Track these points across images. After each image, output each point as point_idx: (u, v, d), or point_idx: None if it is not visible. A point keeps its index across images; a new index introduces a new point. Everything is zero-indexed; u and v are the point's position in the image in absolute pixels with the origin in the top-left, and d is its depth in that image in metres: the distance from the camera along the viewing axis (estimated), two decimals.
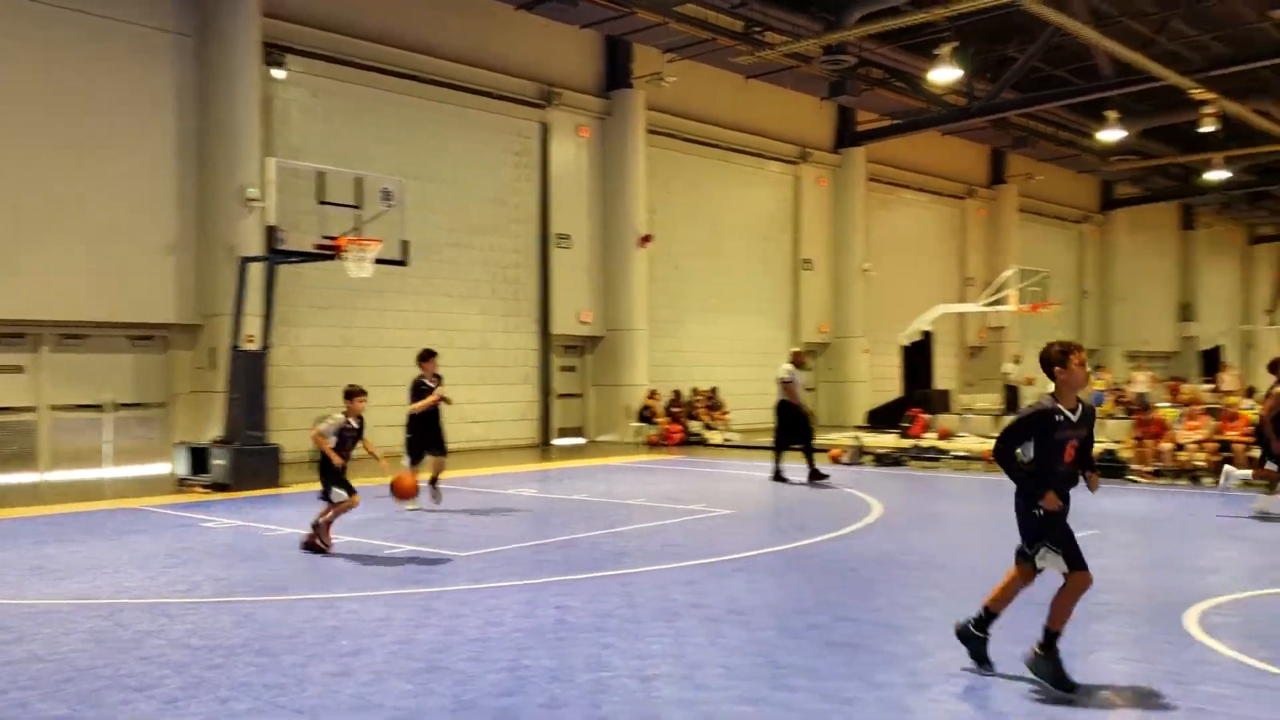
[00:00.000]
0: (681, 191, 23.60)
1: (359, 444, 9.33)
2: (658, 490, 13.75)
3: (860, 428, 23.24)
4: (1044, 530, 5.45)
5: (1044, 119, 26.90)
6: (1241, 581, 8.17)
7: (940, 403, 24.29)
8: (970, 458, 17.89)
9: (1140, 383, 25.12)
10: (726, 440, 21.47)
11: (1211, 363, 33.77)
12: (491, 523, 11.09)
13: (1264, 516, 11.34)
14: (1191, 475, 14.61)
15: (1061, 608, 5.40)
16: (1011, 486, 5.58)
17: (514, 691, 5.27)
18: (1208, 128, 22.17)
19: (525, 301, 20.93)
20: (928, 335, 25.25)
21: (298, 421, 17.35)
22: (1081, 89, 23.14)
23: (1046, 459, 5.41)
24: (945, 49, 18.93)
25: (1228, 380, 20.73)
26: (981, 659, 5.63)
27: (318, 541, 9.02)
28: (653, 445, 20.79)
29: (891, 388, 25.30)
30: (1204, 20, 21.19)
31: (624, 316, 21.71)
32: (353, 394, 9.37)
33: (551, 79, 21.05)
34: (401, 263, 14.28)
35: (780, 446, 14.99)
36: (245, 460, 13.64)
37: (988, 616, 5.65)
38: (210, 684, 5.44)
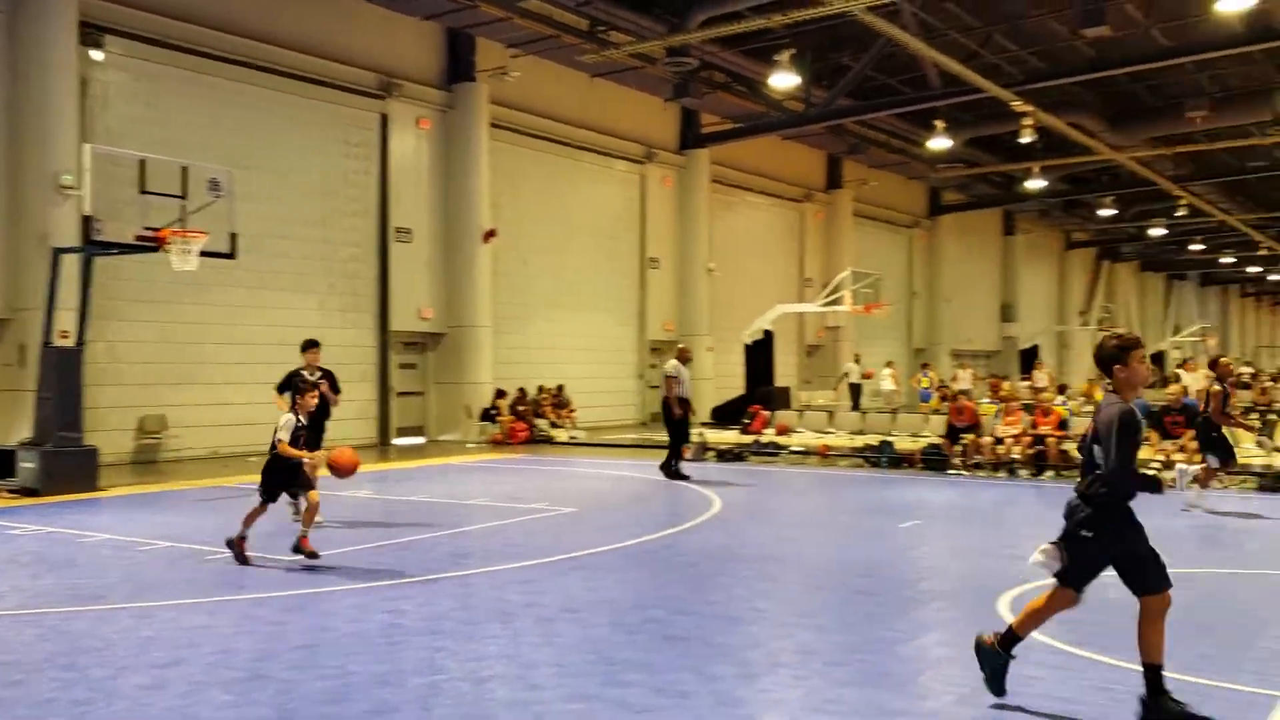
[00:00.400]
0: (528, 187, 23.46)
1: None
2: (500, 490, 13.62)
3: (705, 424, 23.62)
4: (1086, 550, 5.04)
5: (877, 127, 27.94)
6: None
7: (781, 399, 24.93)
8: (807, 452, 18.41)
9: (963, 380, 26.42)
10: (573, 438, 21.47)
11: (1030, 361, 35.83)
12: (321, 525, 10.76)
13: (1191, 507, 11.63)
14: (1009, 468, 15.41)
15: (1150, 639, 4.95)
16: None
17: (340, 698, 5.11)
18: (1026, 138, 23.44)
19: (364, 297, 20.42)
20: (769, 334, 25.87)
21: (118, 422, 16.49)
22: (911, 98, 24.12)
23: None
24: (784, 55, 19.42)
25: (1042, 378, 22.00)
26: (996, 680, 5.11)
27: (307, 548, 8.50)
28: (497, 444, 20.60)
29: (735, 385, 25.80)
30: (1023, 36, 22.42)
31: (467, 313, 21.43)
32: (303, 390, 8.81)
33: (391, 70, 20.59)
34: (230, 255, 13.69)
35: (680, 442, 15.05)
36: (57, 463, 12.82)
37: (1011, 637, 5.16)
38: (8, 703, 5.07)
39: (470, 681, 5.38)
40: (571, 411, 22.59)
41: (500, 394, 21.64)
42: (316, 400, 9.06)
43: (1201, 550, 9.49)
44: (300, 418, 8.70)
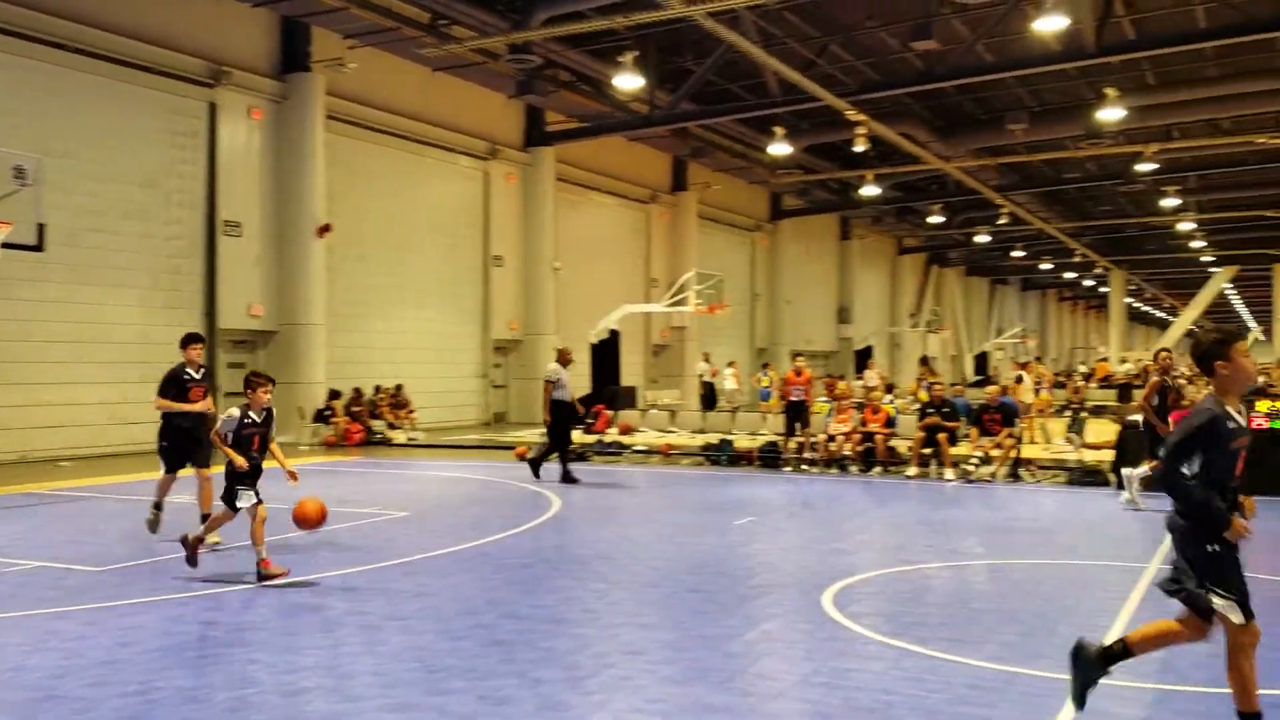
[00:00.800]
0: (367, 182, 22.86)
1: (267, 446, 8.01)
2: (331, 494, 13.13)
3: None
4: (1217, 570, 4.34)
5: (720, 131, 28.42)
6: (875, 561, 8.93)
7: (627, 399, 25.12)
8: (650, 451, 18.57)
9: None
10: (411, 440, 21.02)
11: (864, 361, 37.15)
12: (138, 533, 10.15)
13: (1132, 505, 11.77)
14: (840, 464, 15.89)
15: (1241, 677, 4.36)
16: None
17: (140, 716, 4.81)
18: (860, 147, 24.20)
19: (189, 293, 19.48)
20: (615, 334, 26.01)
21: None
22: (752, 104, 24.63)
23: (1219, 475, 4.38)
24: (628, 57, 19.51)
25: (873, 377, 22.79)
26: (1083, 693, 4.69)
27: (192, 544, 7.90)
28: (331, 447, 19.98)
29: (581, 384, 25.77)
30: (857, 48, 23.19)
31: (300, 310, 20.70)
32: (254, 383, 8.01)
33: (221, 57, 19.72)
34: (37, 248, 12.84)
35: (558, 447, 14.88)
36: None
37: (1123, 653, 4.65)
38: None
39: (282, 694, 5.16)
40: (410, 412, 22.11)
41: (335, 395, 21.00)
42: (270, 395, 8.10)
43: (1015, 542, 9.96)
44: (252, 413, 7.89)
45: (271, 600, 7.22)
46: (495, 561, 8.77)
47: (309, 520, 7.96)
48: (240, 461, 7.75)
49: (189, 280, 19.49)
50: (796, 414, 16.52)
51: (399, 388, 22.46)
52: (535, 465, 14.69)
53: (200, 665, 5.63)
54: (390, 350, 22.90)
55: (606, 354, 25.87)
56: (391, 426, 21.37)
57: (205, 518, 8.86)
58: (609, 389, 24.67)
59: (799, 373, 16.78)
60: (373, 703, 5.03)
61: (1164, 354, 12.85)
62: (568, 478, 14.41)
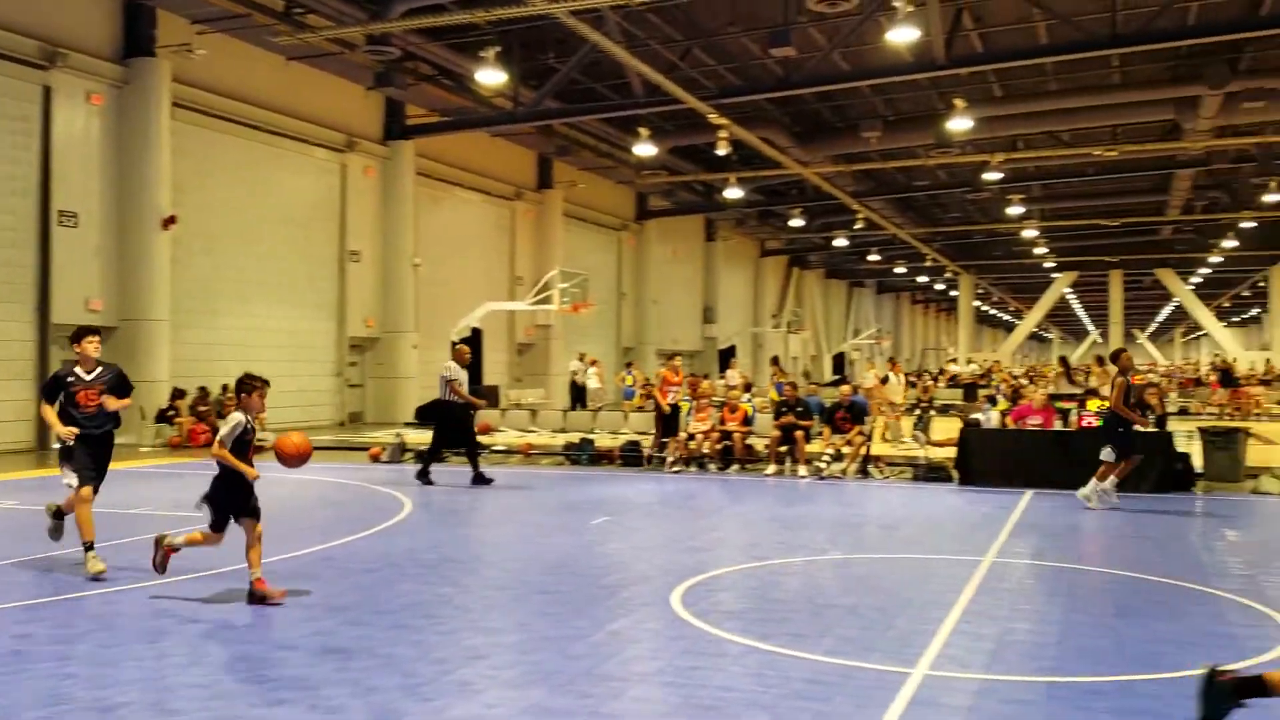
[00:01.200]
0: (216, 172, 21.95)
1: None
2: (169, 498, 12.59)
3: (409, 424, 23.08)
4: None
5: (586, 130, 28.38)
6: (726, 559, 9.03)
7: (489, 398, 24.80)
8: (510, 451, 18.40)
9: None
10: (260, 441, 20.22)
11: (728, 361, 37.70)
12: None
13: (1086, 503, 11.89)
14: (699, 462, 16.05)
15: None
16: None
17: None
18: (722, 150, 24.55)
19: (19, 285, 18.33)
20: (477, 332, 25.68)
21: None
22: (617, 104, 24.66)
23: None
24: (490, 52, 19.28)
25: (735, 376, 23.13)
26: None
27: (262, 590, 7.09)
28: (175, 448, 19.12)
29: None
30: (719, 52, 23.49)
31: (142, 305, 19.73)
32: (250, 387, 7.39)
33: (57, 39, 18.64)
34: None
35: (437, 448, 14.48)
36: None
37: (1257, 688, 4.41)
38: None
39: (97, 710, 4.87)
40: (261, 412, 21.29)
41: (179, 394, 20.10)
42: (264, 398, 7.51)
43: (861, 537, 10.23)
44: (249, 420, 7.29)
45: (94, 609, 6.84)
46: (339, 566, 8.52)
47: (293, 455, 7.46)
48: (253, 473, 7.17)
49: (20, 273, 18.36)
50: (674, 414, 16.68)
51: None
52: (479, 478, 14.31)
53: (8, 683, 5.27)
54: (240, 348, 22.00)
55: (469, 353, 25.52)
56: None
57: (90, 546, 7.87)
58: (470, 388, 24.29)
59: (677, 372, 16.91)
60: (194, 716, 4.80)
61: (1125, 354, 12.83)
62: (427, 478, 14.14)
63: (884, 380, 21.70)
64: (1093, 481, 11.92)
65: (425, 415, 23.22)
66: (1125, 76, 24.72)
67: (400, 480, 14.41)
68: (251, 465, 7.26)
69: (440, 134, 26.39)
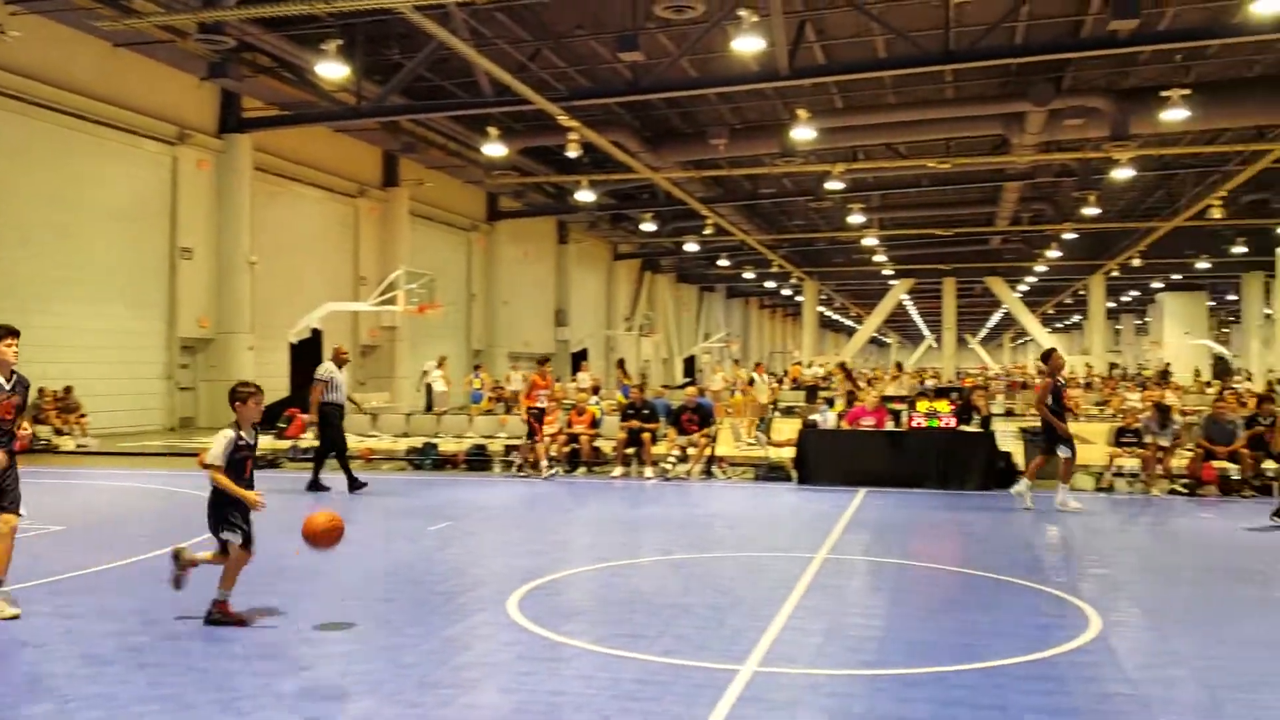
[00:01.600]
0: (31, 163, 20.60)
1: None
2: None
3: None
4: None
5: (433, 128, 27.91)
6: (566, 562, 8.99)
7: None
8: (351, 456, 17.84)
9: (516, 381, 27.13)
10: (81, 447, 19.15)
11: (579, 364, 37.69)
12: None
13: (1063, 507, 11.83)
14: (539, 464, 15.94)
15: None
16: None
17: None
18: (573, 153, 24.52)
19: None
20: (317, 333, 24.89)
21: None
22: (465, 103, 24.33)
23: None
24: (331, 45, 18.72)
25: (585, 379, 23.13)
26: None
27: (227, 614, 6.52)
28: None
29: (280, 387, 24.52)
30: (569, 54, 23.47)
31: None
32: (243, 395, 6.74)
33: None
34: None
35: (322, 454, 13.84)
36: None
37: None
38: None
39: None
40: (81, 417, 20.11)
41: None
42: (259, 409, 6.89)
43: (701, 536, 10.34)
44: (243, 433, 6.69)
45: None
46: (159, 578, 8.08)
47: (322, 536, 6.66)
48: (255, 499, 6.61)
49: None
50: (540, 419, 16.48)
51: (68, 390, 20.37)
52: (354, 483, 13.70)
53: None
54: (58, 349, 20.68)
55: (308, 355, 24.70)
56: (58, 433, 19.37)
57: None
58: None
59: (545, 377, 16.73)
60: None
61: (1056, 355, 13.03)
62: (319, 485, 13.63)
63: (750, 382, 22.25)
64: (1024, 481, 12.24)
65: (261, 419, 22.37)
66: (958, 92, 25.87)
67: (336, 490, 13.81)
68: (252, 486, 6.70)
69: (279, 128, 25.47)
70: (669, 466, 15.27)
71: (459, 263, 37.55)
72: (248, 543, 6.67)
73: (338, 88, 22.48)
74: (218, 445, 6.57)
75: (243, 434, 6.72)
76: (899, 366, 34.12)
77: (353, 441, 18.88)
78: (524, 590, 7.60)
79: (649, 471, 15.33)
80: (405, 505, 12.70)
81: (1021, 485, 12.24)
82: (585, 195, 32.28)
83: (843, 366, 25.56)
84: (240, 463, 6.66)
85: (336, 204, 30.43)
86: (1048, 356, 12.95)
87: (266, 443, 18.03)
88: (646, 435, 15.54)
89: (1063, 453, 11.96)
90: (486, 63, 20.09)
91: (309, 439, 17.91)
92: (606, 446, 16.35)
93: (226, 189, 24.94)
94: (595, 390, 19.10)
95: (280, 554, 9.21)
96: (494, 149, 25.12)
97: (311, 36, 20.23)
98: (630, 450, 15.65)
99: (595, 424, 16.59)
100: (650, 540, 10.06)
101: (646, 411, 15.97)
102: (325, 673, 5.59)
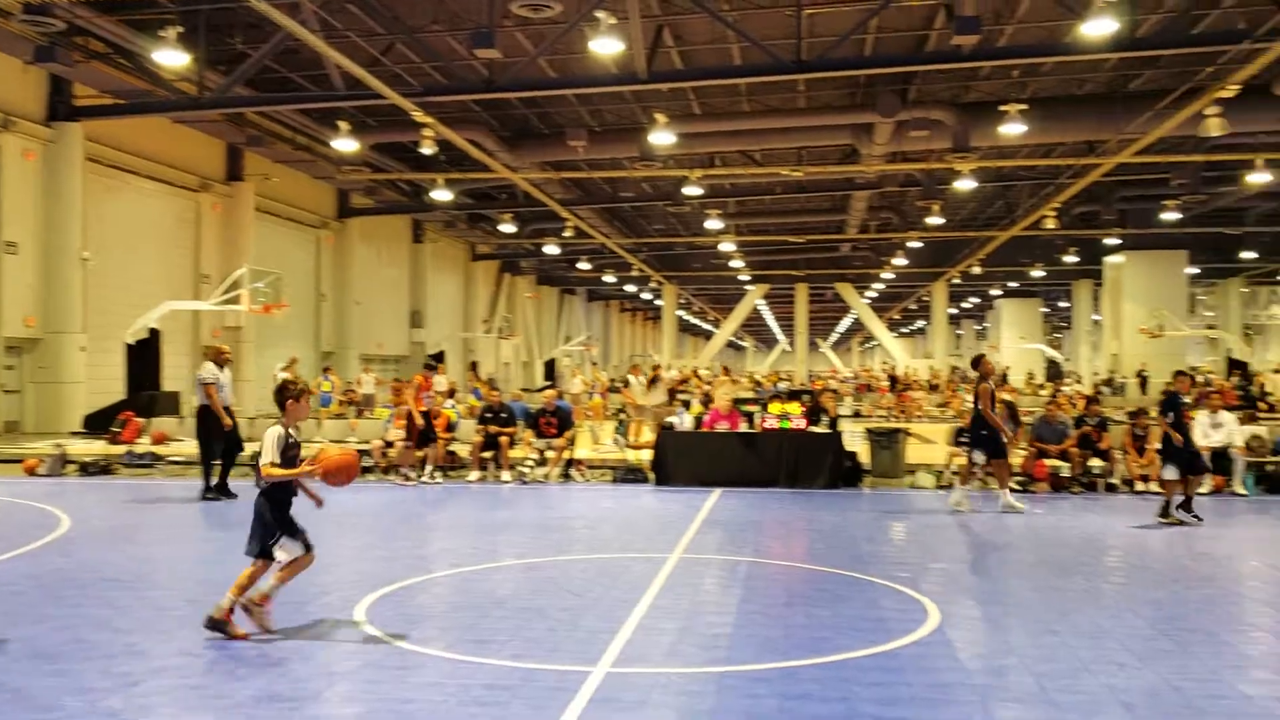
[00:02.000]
0: None
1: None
2: None
3: (76, 434, 20.99)
4: None
5: (281, 120, 26.99)
6: (418, 567, 8.80)
7: (168, 405, 23.00)
8: (189, 463, 17.09)
9: (367, 384, 26.55)
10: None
11: (436, 366, 37.06)
12: None
13: (1009, 509, 11.97)
14: (397, 469, 15.60)
15: None
16: None
17: None
18: (427, 150, 24.04)
19: None
20: (155, 333, 23.76)
21: None
22: (315, 96, 23.58)
23: None
24: (170, 31, 17.84)
25: (442, 382, 22.75)
26: None
27: (246, 617, 6.32)
28: None
29: (115, 389, 23.30)
30: (424, 49, 23.03)
31: None
32: (295, 392, 6.63)
33: None
34: None
35: (210, 459, 13.06)
36: None
37: None
38: None
39: None
40: (302, 420, 18.59)
41: None
42: (308, 405, 6.85)
43: (557, 539, 10.27)
44: (291, 430, 6.53)
45: None
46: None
47: (340, 471, 6.58)
48: (316, 499, 6.68)
49: None
50: (428, 424, 16.05)
51: None
52: (222, 489, 12.91)
53: None
54: None
55: (145, 356, 23.55)
56: None
57: None
58: (145, 394, 22.44)
59: (428, 380, 16.35)
60: None
61: (987, 360, 13.08)
62: (215, 491, 12.95)
63: (625, 384, 22.34)
64: (957, 488, 12.50)
65: (94, 423, 21.21)
66: (810, 102, 26.53)
67: (59, 494, 13.03)
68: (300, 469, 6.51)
69: (114, 117, 24.15)
70: (527, 470, 15.15)
71: (308, 261, 36.41)
72: (308, 548, 6.59)
73: (178, 76, 21.47)
74: (269, 443, 6.42)
75: (290, 431, 6.61)
76: (726, 370, 35.12)
77: (190, 448, 18.07)
78: (373, 597, 7.40)
79: (506, 475, 15.17)
80: (246, 514, 12.16)
81: (958, 493, 12.41)
82: (441, 194, 31.75)
83: (726, 369, 26.00)
84: (291, 460, 6.55)
85: (177, 198, 29.07)
86: (978, 362, 13.01)
87: (99, 448, 17.12)
88: (504, 439, 15.39)
89: (977, 459, 12.42)
90: (337, 55, 19.49)
91: (145, 444, 17.09)
92: (463, 450, 16.12)
93: (56, 181, 23.51)
94: (451, 393, 18.81)
95: (106, 562, 8.73)
96: (345, 144, 24.42)
97: (150, 22, 19.25)
98: (487, 454, 15.46)
99: (451, 428, 16.33)
100: (506, 544, 9.94)
101: (504, 415, 15.81)
102: (155, 687, 5.30)
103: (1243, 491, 13.86)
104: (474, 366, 28.17)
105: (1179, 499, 11.22)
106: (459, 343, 48.07)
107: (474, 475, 15.26)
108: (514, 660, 5.80)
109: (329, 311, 37.73)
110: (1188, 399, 11.81)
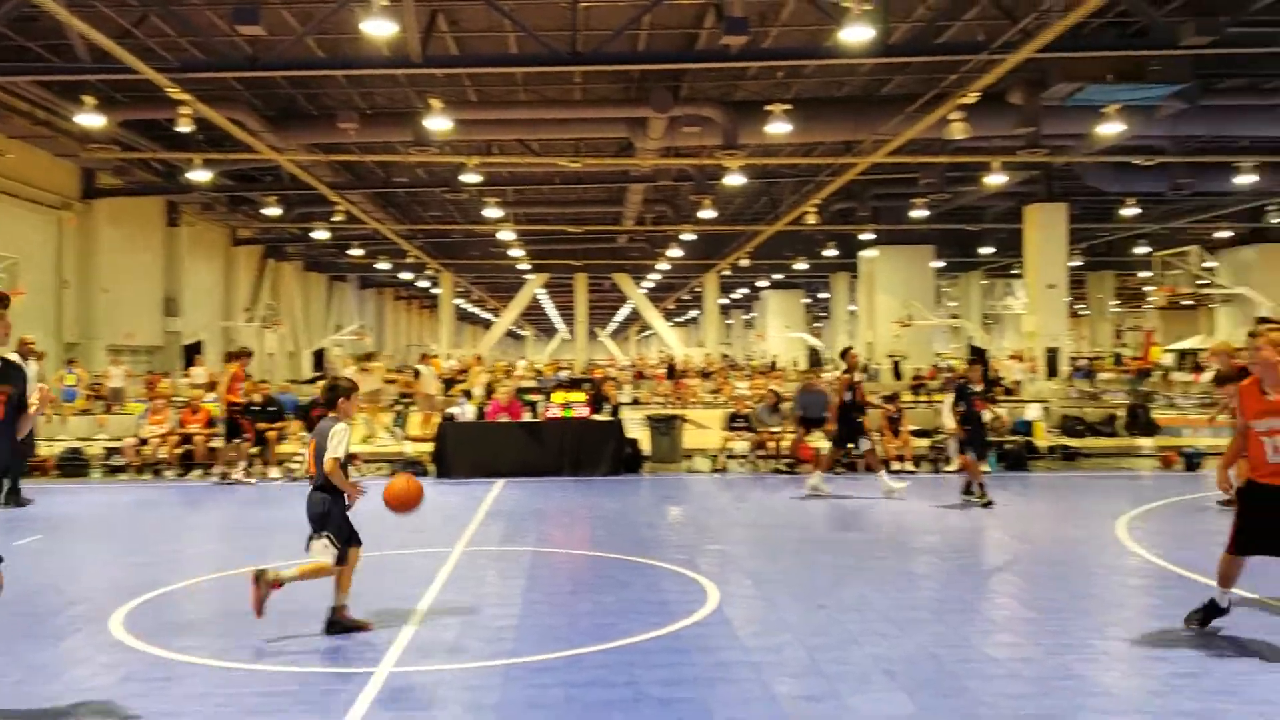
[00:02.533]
0: None
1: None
2: None
3: None
4: None
5: (17, 93, 24.65)
6: (178, 572, 8.29)
7: None
8: None
9: (116, 377, 24.78)
10: None
11: (193, 357, 34.99)
12: None
13: (814, 493, 12.13)
14: (154, 469, 14.65)
15: None
16: None
17: None
18: (184, 128, 22.59)
19: None
20: None
21: None
22: (57, 68, 21.69)
23: None
24: None
25: (201, 374, 21.50)
26: None
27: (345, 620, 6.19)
28: None
29: None
30: (181, 23, 21.61)
31: None
32: (347, 391, 6.50)
33: None
34: None
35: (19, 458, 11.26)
36: None
37: None
38: None
39: None
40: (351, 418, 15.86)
41: None
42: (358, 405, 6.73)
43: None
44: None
45: None
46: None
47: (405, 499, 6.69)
48: (358, 490, 6.61)
49: None
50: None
51: None
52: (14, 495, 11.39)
53: None
54: None
55: None
56: None
57: None
58: None
59: (242, 368, 15.22)
60: None
61: (853, 352, 13.53)
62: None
63: (416, 374, 21.72)
64: (811, 479, 12.68)
65: None
66: (586, 94, 26.71)
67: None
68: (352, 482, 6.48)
69: None
70: (296, 466, 14.55)
71: (48, 245, 33.47)
72: (341, 561, 6.50)
73: None
74: (342, 440, 6.31)
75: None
76: (478, 359, 35.35)
77: None
78: (130, 606, 6.92)
79: (275, 472, 14.52)
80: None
81: (884, 477, 12.70)
82: (199, 175, 29.83)
83: (479, 358, 25.70)
84: (346, 463, 6.50)
85: None
86: (845, 354, 13.58)
87: None
88: (273, 434, 14.72)
89: (864, 447, 12.72)
90: (82, 25, 18.02)
91: None
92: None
93: None
94: (211, 386, 17.80)
95: None
96: (90, 119, 22.53)
97: None
98: (255, 450, 14.74)
99: (211, 423, 15.45)
100: (277, 544, 9.51)
101: (274, 408, 15.12)
102: None
103: (986, 469, 15.06)
104: (234, 357, 26.72)
105: (966, 479, 12.04)
106: (219, 332, 45.54)
107: (237, 473, 14.51)
108: (291, 665, 5.58)
109: (72, 299, 34.83)
110: (976, 387, 12.73)
